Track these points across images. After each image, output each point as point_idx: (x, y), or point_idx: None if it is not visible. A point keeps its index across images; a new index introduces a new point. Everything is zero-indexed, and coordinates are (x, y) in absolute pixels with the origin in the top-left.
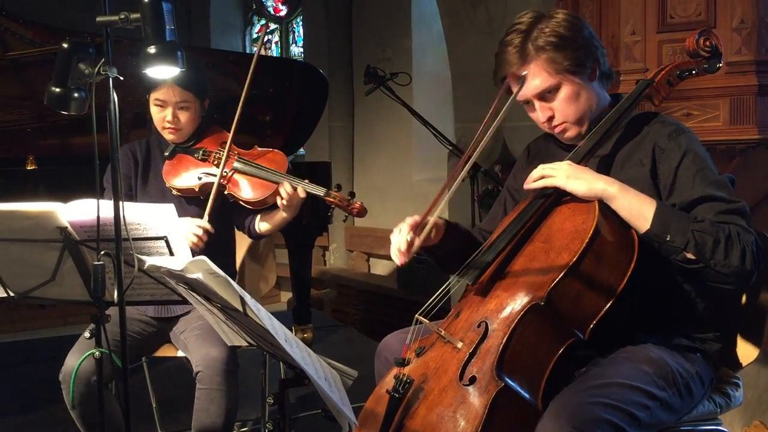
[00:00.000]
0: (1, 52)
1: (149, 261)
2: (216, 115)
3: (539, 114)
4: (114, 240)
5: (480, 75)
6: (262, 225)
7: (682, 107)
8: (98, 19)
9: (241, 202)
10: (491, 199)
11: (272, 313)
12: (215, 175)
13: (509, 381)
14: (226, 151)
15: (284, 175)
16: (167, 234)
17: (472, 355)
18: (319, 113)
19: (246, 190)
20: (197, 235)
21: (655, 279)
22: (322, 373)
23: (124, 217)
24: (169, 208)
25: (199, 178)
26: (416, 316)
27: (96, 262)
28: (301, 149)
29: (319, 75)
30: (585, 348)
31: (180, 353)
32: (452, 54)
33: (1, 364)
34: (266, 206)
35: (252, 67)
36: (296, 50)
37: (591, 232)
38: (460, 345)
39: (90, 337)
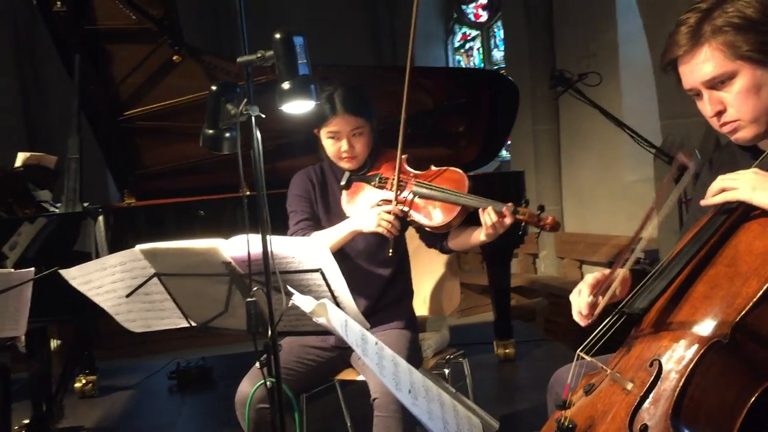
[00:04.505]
0: None
1: (295, 298)
2: (410, 129)
3: (707, 107)
4: (270, 273)
5: None
6: (454, 243)
7: None
8: (238, 59)
9: (426, 228)
10: None
11: (482, 324)
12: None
13: None
14: (396, 174)
15: (466, 195)
16: (321, 267)
17: (643, 399)
18: (511, 121)
19: (428, 215)
20: (389, 221)
21: None
22: (454, 426)
23: (271, 251)
24: (319, 242)
25: (379, 206)
26: (578, 351)
27: (248, 299)
28: (506, 154)
29: (508, 82)
30: None
31: (360, 377)
32: (652, 44)
33: (202, 379)
34: (452, 228)
35: (405, 94)
36: (498, 55)
37: None
38: (629, 386)
39: (261, 367)
